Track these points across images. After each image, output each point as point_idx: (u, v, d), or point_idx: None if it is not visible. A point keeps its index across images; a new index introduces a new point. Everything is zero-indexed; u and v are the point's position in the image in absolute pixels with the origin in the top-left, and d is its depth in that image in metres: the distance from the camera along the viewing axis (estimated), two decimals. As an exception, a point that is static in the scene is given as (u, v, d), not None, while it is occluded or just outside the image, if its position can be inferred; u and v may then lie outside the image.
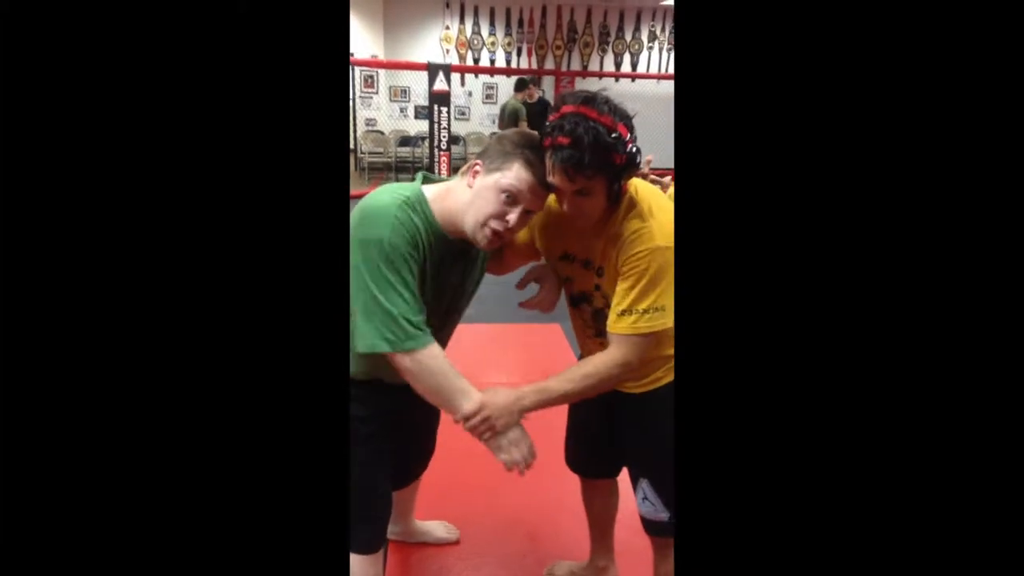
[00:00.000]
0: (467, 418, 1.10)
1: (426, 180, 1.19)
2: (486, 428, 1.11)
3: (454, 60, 8.71)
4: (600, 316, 1.19)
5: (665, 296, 1.07)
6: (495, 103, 9.73)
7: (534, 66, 9.23)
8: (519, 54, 9.25)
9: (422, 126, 8.98)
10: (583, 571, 1.63)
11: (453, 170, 8.68)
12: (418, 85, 8.72)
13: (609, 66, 9.28)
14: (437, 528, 1.79)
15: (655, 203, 1.11)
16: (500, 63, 9.15)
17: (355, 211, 1.08)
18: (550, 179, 1.06)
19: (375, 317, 1.04)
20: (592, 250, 1.17)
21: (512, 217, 1.08)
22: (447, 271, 1.16)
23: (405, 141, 9.12)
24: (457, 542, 1.79)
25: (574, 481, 1.94)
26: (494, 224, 1.08)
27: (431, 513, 1.82)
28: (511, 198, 1.08)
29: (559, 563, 1.67)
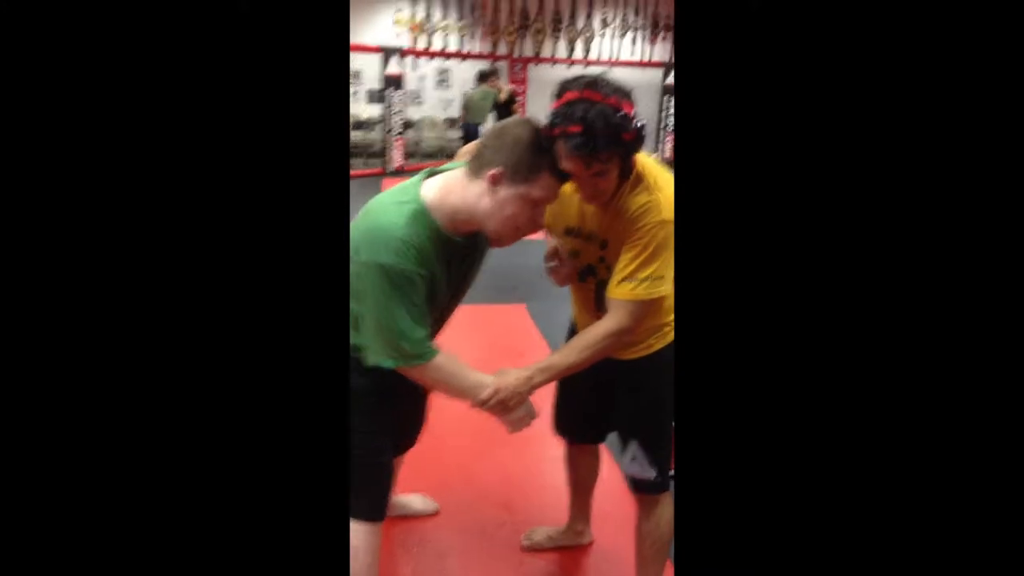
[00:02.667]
0: (483, 402, 1.18)
1: (428, 174, 1.19)
2: (501, 408, 1.19)
3: (406, 44, 8.59)
4: (602, 289, 1.23)
5: (665, 267, 1.13)
6: (448, 87, 9.67)
7: (487, 51, 9.19)
8: (472, 38, 9.20)
9: (374, 111, 8.86)
10: (561, 535, 1.69)
11: (407, 155, 8.60)
12: (369, 69, 8.59)
13: (562, 53, 9.33)
14: (415, 501, 1.82)
15: (660, 177, 1.16)
16: (453, 47, 9.08)
17: (361, 222, 1.11)
18: (563, 166, 1.07)
19: (381, 336, 1.10)
20: (597, 224, 1.21)
21: (539, 219, 1.14)
22: (455, 269, 1.19)
23: (357, 125, 8.97)
24: (436, 513, 1.82)
25: (545, 453, 2.00)
26: (525, 229, 1.13)
27: (408, 487, 1.85)
28: (539, 205, 1.12)
29: (537, 529, 1.72)
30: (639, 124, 1.07)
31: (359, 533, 1.27)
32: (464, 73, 9.27)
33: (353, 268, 1.09)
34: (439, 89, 9.67)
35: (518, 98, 6.03)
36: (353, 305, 1.12)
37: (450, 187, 1.13)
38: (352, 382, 1.16)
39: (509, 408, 1.20)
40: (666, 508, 1.36)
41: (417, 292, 1.09)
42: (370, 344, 1.12)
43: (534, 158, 1.07)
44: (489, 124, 6.05)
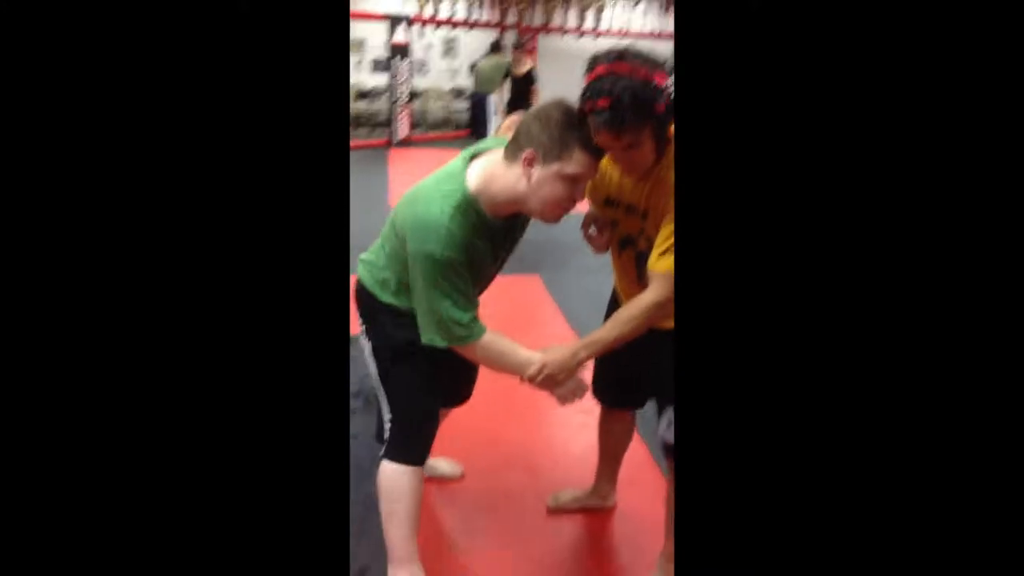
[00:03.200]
0: (532, 378, 1.24)
1: (471, 156, 1.23)
2: (550, 383, 1.26)
3: (413, 11, 8.47)
4: (643, 260, 1.24)
5: None
6: (455, 57, 9.55)
7: (496, 19, 9.06)
8: (480, 6, 9.06)
9: (380, 80, 8.76)
10: (587, 498, 1.73)
11: (413, 126, 8.52)
12: (374, 38, 8.47)
13: (572, 22, 9.20)
14: (441, 464, 1.86)
15: None
16: (461, 15, 8.95)
17: (408, 210, 1.18)
18: (596, 141, 1.10)
19: (432, 317, 1.19)
20: (637, 195, 1.22)
21: (578, 196, 1.17)
22: (497, 248, 1.26)
23: (363, 95, 8.88)
24: (462, 477, 1.86)
25: (568, 420, 2.03)
26: (565, 206, 1.17)
27: (435, 451, 1.88)
28: (575, 181, 1.15)
29: (563, 491, 1.76)
30: (673, 94, 1.07)
31: (402, 476, 1.33)
32: (472, 42, 9.14)
33: (403, 252, 1.18)
34: (446, 58, 9.54)
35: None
36: (403, 274, 1.22)
37: (492, 173, 1.18)
38: (400, 336, 1.26)
39: (558, 382, 1.26)
40: None
41: (463, 278, 1.17)
42: (422, 324, 1.21)
43: (564, 135, 1.11)
44: (504, 95, 5.97)
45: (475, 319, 1.21)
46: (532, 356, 1.25)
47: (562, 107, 1.14)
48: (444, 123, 9.31)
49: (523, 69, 5.89)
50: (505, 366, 1.26)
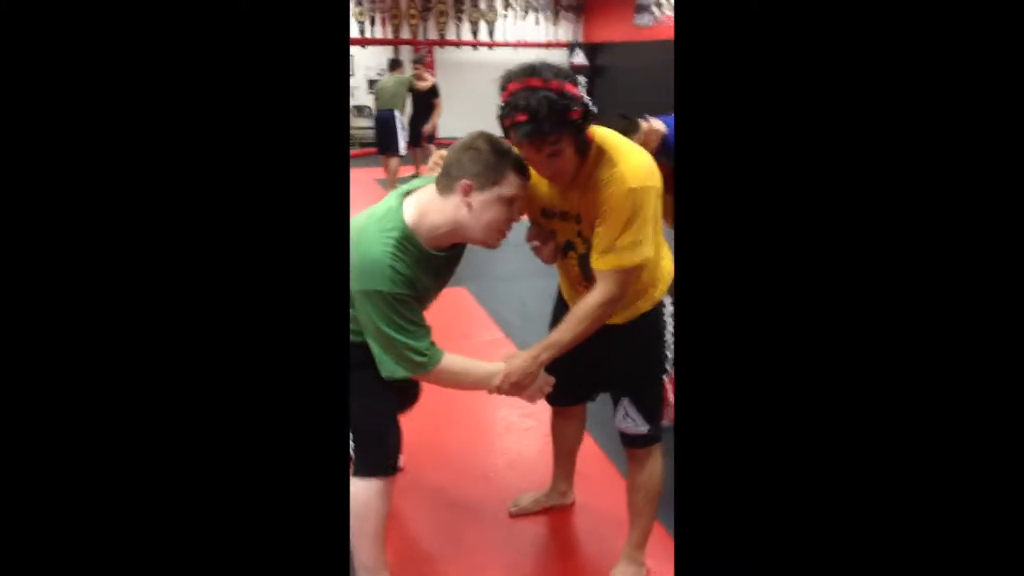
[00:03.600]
0: (498, 387, 1.30)
1: (404, 193, 1.28)
2: (516, 389, 1.32)
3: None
4: (585, 261, 1.30)
5: (641, 231, 1.19)
6: (352, 75, 9.41)
7: (389, 35, 9.02)
8: (372, 24, 8.99)
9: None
10: (546, 498, 1.77)
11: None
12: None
13: (466, 35, 9.30)
14: None
15: (623, 148, 1.22)
16: (354, 33, 8.84)
17: (352, 246, 1.19)
18: (520, 153, 1.17)
19: (390, 350, 1.23)
20: (568, 202, 1.27)
21: (516, 216, 1.25)
22: (442, 276, 1.32)
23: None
24: (401, 469, 1.87)
25: (513, 426, 2.06)
26: (506, 229, 1.24)
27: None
28: (513, 202, 1.22)
29: (522, 495, 1.79)
30: (585, 100, 1.13)
31: (371, 491, 1.34)
32: (367, 60, 9.06)
33: (352, 294, 1.20)
34: (343, 77, 9.39)
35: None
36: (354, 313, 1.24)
37: (427, 207, 1.24)
38: (360, 351, 1.26)
39: (523, 387, 1.32)
40: (656, 460, 1.46)
41: (413, 310, 1.21)
42: (381, 360, 1.24)
43: (497, 162, 1.19)
44: (407, 110, 5.95)
45: (432, 345, 1.26)
46: (494, 367, 1.30)
47: (486, 137, 1.21)
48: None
49: (426, 84, 5.91)
50: (469, 383, 1.32)
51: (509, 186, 1.20)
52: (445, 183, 1.22)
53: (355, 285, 1.19)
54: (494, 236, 1.24)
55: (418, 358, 1.23)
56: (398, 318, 1.19)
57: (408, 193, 1.28)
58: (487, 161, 1.19)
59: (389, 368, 1.24)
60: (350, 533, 1.37)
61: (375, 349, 1.24)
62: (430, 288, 1.29)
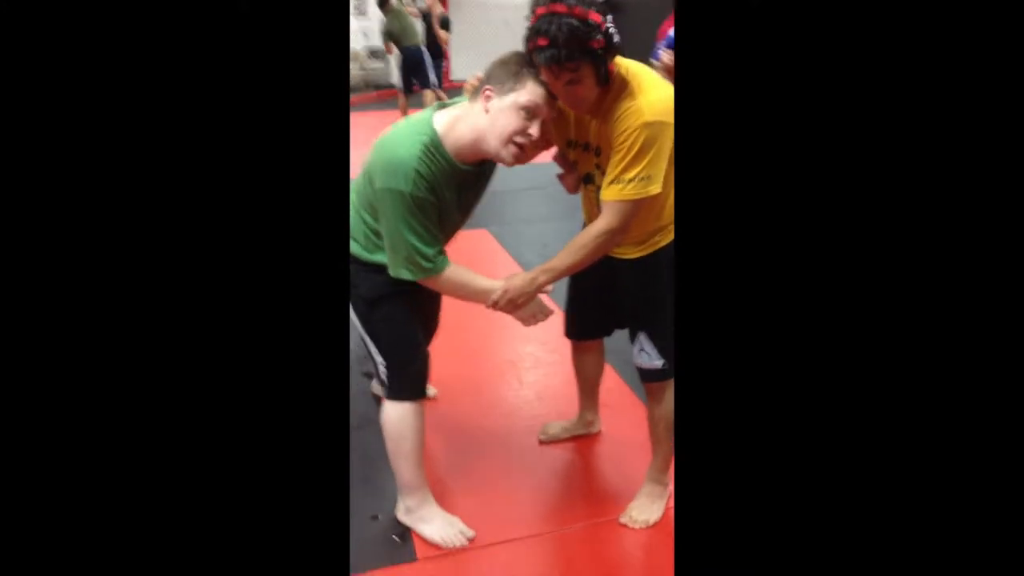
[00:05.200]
0: (496, 303, 1.34)
1: (439, 107, 1.31)
2: (512, 307, 1.35)
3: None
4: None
5: (653, 167, 1.20)
6: (364, 15, 9.22)
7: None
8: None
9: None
10: (574, 426, 1.85)
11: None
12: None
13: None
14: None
15: (645, 81, 1.23)
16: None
17: (377, 152, 1.25)
18: (541, 78, 1.18)
19: (400, 251, 1.27)
20: (589, 133, 1.29)
21: (534, 130, 1.23)
22: (464, 195, 1.34)
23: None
24: (434, 398, 2.02)
25: (540, 360, 2.13)
26: (519, 139, 1.23)
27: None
28: (530, 113, 1.21)
29: (550, 423, 1.87)
30: (609, 30, 1.14)
31: (406, 413, 1.42)
32: (381, -1, 8.83)
33: (372, 193, 1.25)
34: (356, 19, 9.20)
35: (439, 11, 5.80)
36: (369, 220, 1.30)
37: (457, 116, 1.27)
38: (367, 285, 1.35)
39: (518, 305, 1.37)
40: (672, 392, 1.50)
41: (429, 215, 1.24)
42: (391, 260, 1.30)
43: (519, 71, 1.20)
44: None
45: (440, 252, 1.30)
46: (495, 283, 1.35)
47: (519, 53, 1.22)
48: (361, 85, 9.03)
49: (415, 9, 5.71)
50: (470, 294, 1.36)
51: (526, 93, 1.20)
52: (474, 94, 1.26)
53: (379, 183, 1.23)
54: (508, 146, 1.22)
55: (425, 263, 1.27)
56: (414, 220, 1.23)
57: (443, 107, 1.32)
58: (510, 70, 1.21)
59: (396, 268, 1.29)
60: (389, 453, 1.47)
61: (387, 248, 1.29)
62: (452, 204, 1.30)
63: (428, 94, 5.67)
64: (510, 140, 1.22)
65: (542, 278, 1.33)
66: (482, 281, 1.35)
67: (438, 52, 5.78)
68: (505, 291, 1.33)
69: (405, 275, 1.29)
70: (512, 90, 1.20)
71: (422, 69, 5.63)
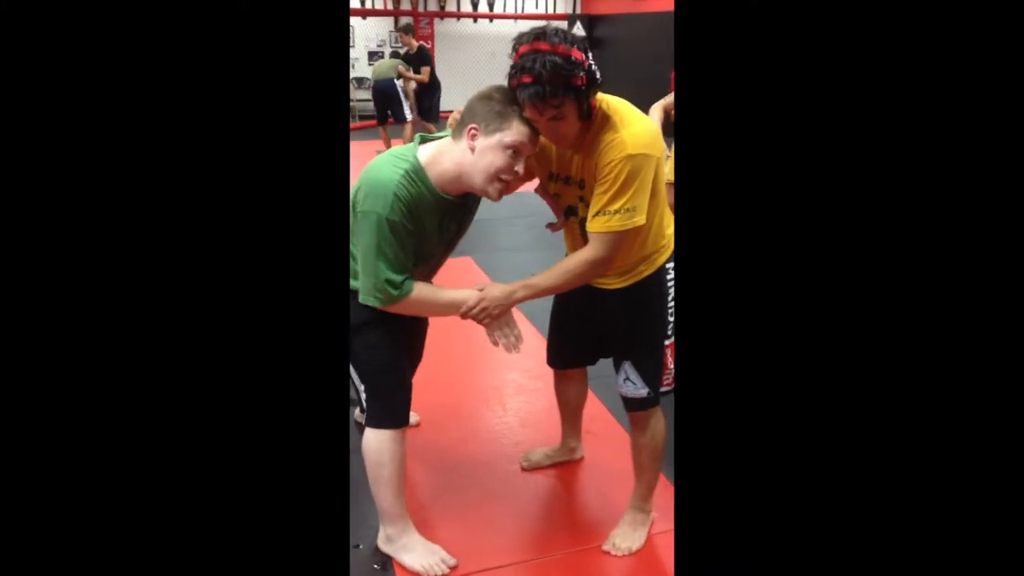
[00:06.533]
0: (470, 309, 1.32)
1: (422, 140, 1.33)
2: (485, 316, 1.34)
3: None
4: (585, 225, 1.34)
5: (636, 198, 1.23)
6: (352, 47, 9.34)
7: (389, 6, 8.94)
8: (373, -6, 8.90)
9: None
10: (556, 452, 1.85)
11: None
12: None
13: (467, 6, 9.21)
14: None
15: (626, 115, 1.26)
16: (354, 3, 8.75)
17: (362, 177, 1.27)
18: (525, 114, 1.21)
19: (369, 276, 1.28)
20: (572, 166, 1.33)
21: (519, 168, 1.26)
22: (447, 224, 1.35)
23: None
24: (417, 425, 2.01)
25: (523, 387, 2.13)
26: (504, 177, 1.26)
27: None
28: (516, 152, 1.25)
29: (533, 450, 1.87)
30: (590, 67, 1.18)
31: (386, 441, 1.40)
32: (368, 31, 8.99)
33: (353, 218, 1.26)
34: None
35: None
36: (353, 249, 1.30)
37: (440, 152, 1.29)
38: (365, 309, 1.34)
39: (491, 316, 1.34)
40: (658, 421, 1.52)
41: (403, 242, 1.25)
42: (362, 286, 1.30)
43: (504, 109, 1.23)
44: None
45: (407, 279, 1.30)
46: (464, 292, 1.35)
47: (502, 89, 1.25)
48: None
49: (413, 51, 5.86)
50: (442, 307, 1.35)
51: (512, 133, 1.23)
52: (459, 129, 1.28)
53: (359, 206, 1.25)
54: (493, 184, 1.26)
55: (392, 290, 1.27)
56: (385, 245, 1.24)
57: (427, 141, 1.34)
58: (495, 109, 1.23)
59: (366, 295, 1.30)
60: (369, 481, 1.45)
61: (360, 273, 1.29)
62: (432, 233, 1.31)
63: (407, 127, 5.76)
64: (496, 178, 1.25)
65: (520, 293, 1.33)
66: (449, 293, 1.35)
67: (436, 84, 5.89)
68: (481, 299, 1.32)
69: (372, 303, 1.29)
70: (498, 130, 1.23)
71: (396, 102, 5.73)
